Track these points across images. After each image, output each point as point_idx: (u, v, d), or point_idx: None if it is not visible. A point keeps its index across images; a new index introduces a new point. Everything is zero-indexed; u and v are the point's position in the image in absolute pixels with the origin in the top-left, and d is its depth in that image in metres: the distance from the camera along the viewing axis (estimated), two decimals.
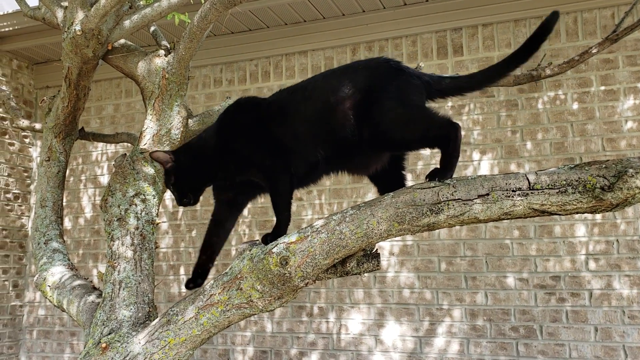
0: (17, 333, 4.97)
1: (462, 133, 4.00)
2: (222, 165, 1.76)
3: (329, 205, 4.25)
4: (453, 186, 1.38)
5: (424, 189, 1.40)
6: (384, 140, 1.57)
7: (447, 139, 1.49)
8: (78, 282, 2.04)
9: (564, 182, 1.33)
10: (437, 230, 3.95)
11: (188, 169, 1.74)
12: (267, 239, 1.61)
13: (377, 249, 1.58)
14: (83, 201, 5.01)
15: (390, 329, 3.99)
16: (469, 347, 3.80)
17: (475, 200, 1.36)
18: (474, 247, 3.89)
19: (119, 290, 1.81)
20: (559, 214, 1.34)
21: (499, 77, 1.65)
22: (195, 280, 1.74)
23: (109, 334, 1.70)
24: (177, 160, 1.74)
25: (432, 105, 1.65)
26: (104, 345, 1.63)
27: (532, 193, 1.35)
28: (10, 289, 4.92)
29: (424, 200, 1.39)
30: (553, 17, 1.55)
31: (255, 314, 1.62)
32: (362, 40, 4.34)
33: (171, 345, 1.61)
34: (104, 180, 4.97)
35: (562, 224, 3.73)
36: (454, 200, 1.37)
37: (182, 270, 4.56)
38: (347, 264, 1.54)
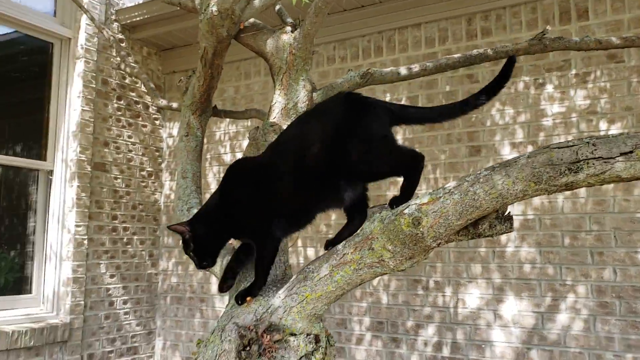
0: (153, 298, 5.45)
1: (588, 102, 3.81)
2: (227, 230, 1.87)
3: (444, 179, 4.22)
4: (593, 144, 1.35)
5: (562, 148, 1.38)
6: (359, 175, 1.74)
7: (413, 169, 1.71)
8: None
9: None
10: (560, 205, 3.81)
11: (203, 236, 1.84)
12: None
13: (509, 212, 1.58)
14: (209, 178, 5.35)
15: (510, 304, 3.92)
16: (596, 325, 3.64)
17: (617, 158, 1.32)
18: (601, 221, 3.70)
19: None
20: None
21: (461, 115, 1.81)
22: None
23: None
24: (193, 230, 1.84)
25: None
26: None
27: None
28: (147, 258, 5.39)
29: (561, 160, 1.37)
30: (511, 61, 1.75)
31: (386, 273, 1.69)
32: (478, 9, 4.23)
33: (308, 300, 1.72)
34: (227, 158, 5.28)
35: None
36: (594, 158, 1.34)
37: (299, 243, 4.76)
38: (480, 226, 1.55)
